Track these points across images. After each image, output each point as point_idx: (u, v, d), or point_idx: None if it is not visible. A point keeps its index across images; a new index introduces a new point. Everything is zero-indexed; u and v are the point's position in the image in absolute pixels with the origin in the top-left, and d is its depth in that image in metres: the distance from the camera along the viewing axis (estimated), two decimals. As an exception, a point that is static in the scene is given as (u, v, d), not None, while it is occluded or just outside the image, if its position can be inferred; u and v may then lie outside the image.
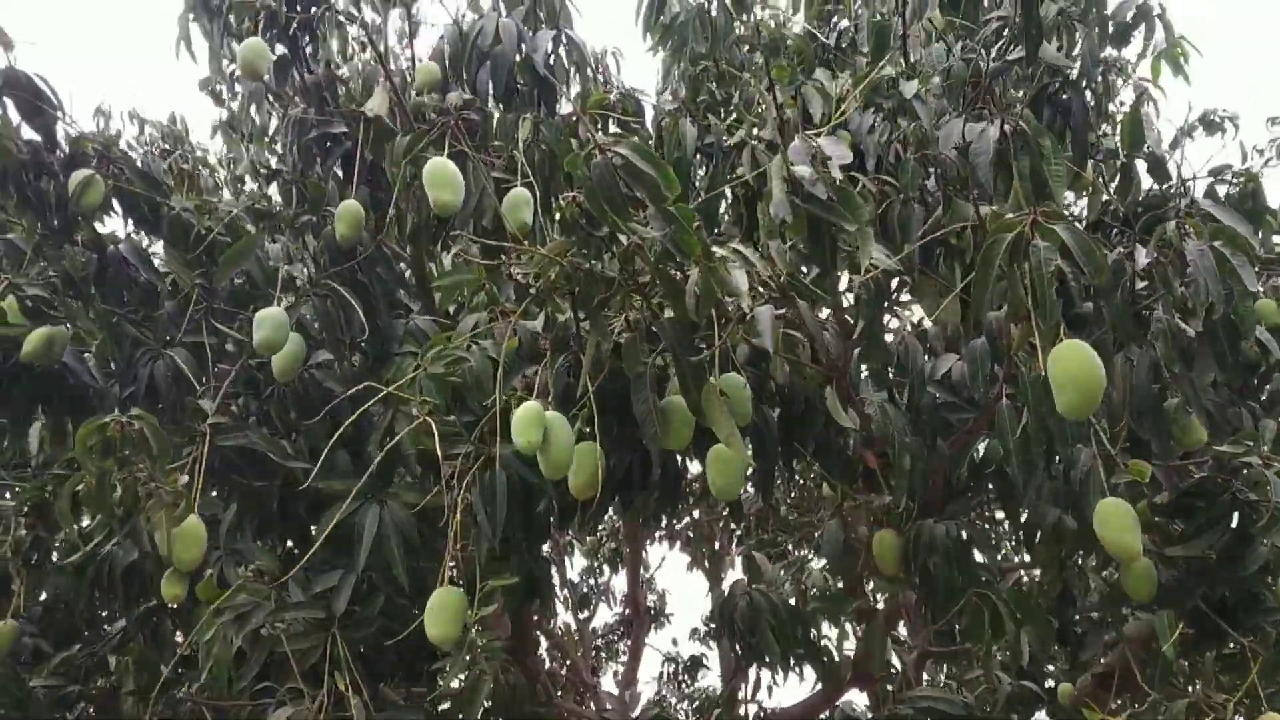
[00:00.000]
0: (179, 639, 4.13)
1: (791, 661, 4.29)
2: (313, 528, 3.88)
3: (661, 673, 10.19)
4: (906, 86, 3.13)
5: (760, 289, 2.83)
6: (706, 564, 9.02)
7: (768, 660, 3.75)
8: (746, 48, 4.94)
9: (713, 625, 9.87)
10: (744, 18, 4.93)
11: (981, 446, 3.61)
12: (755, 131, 4.22)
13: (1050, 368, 2.29)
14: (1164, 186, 4.42)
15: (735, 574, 9.71)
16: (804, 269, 2.84)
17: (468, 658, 3.42)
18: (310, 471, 3.52)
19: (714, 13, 4.57)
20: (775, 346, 2.77)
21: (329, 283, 3.46)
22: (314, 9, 4.12)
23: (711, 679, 10.04)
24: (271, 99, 4.87)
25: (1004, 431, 2.96)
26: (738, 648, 3.86)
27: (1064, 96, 3.42)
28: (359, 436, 3.58)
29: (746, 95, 4.36)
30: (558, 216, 2.73)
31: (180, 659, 4.13)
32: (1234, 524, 3.15)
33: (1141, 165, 4.29)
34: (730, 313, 2.85)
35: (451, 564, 3.07)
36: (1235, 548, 3.13)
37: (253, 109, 5.19)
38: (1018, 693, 4.20)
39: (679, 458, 3.45)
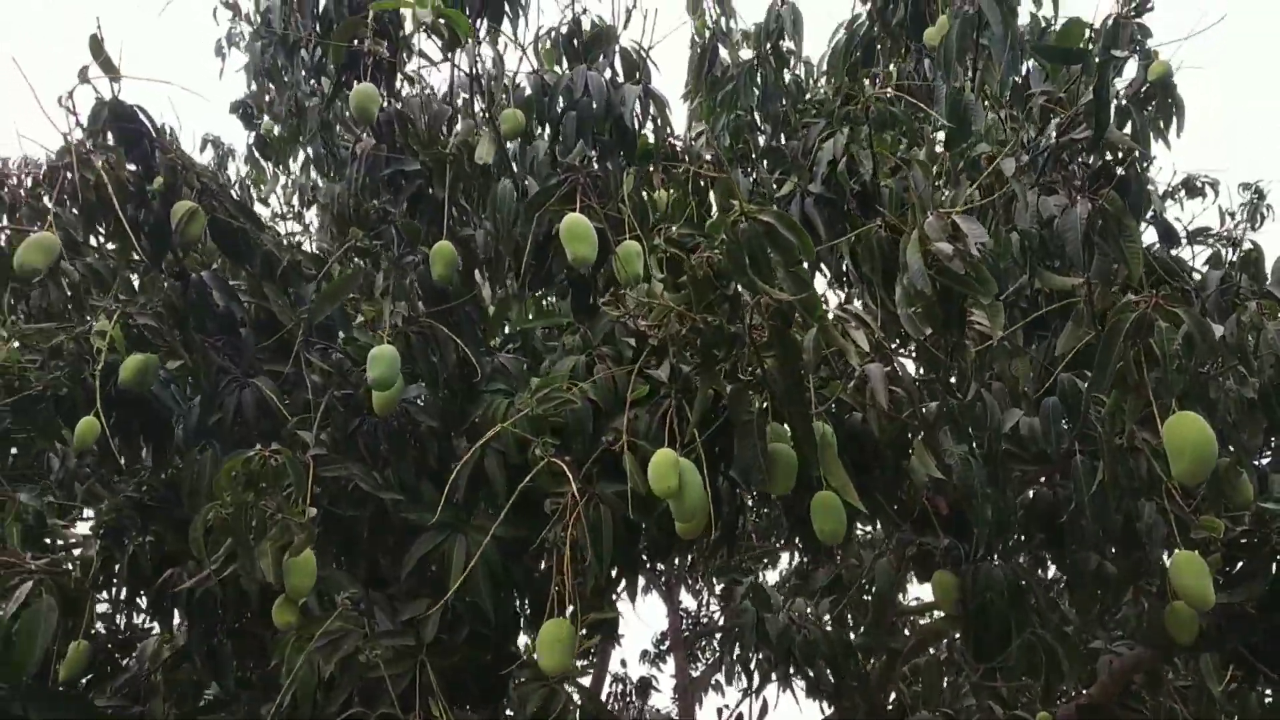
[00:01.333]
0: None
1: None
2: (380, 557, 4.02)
3: (610, 693, 10.34)
4: (1006, 164, 3.37)
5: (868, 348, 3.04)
6: (665, 587, 9.23)
7: (820, 689, 3.95)
8: (784, 102, 5.17)
9: (666, 649, 10.08)
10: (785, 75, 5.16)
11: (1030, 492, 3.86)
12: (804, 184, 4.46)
13: (1167, 436, 2.52)
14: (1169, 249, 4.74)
15: (687, 598, 9.97)
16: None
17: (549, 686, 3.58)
18: (400, 502, 3.66)
19: (762, 72, 4.80)
20: (884, 402, 2.98)
21: (428, 320, 3.58)
22: (389, 50, 4.25)
23: (660, 700, 10.27)
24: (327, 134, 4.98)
25: (1079, 486, 3.20)
26: (786, 674, 4.05)
27: (1121, 173, 3.70)
28: (445, 470, 3.71)
29: (806, 146, 4.59)
30: (691, 274, 2.91)
31: (237, 680, 4.21)
32: (1273, 573, 3.44)
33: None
34: (836, 368, 3.06)
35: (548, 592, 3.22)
36: (1275, 597, 3.42)
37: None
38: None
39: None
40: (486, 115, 4.02)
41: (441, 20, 3.70)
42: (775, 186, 4.65)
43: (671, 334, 3.03)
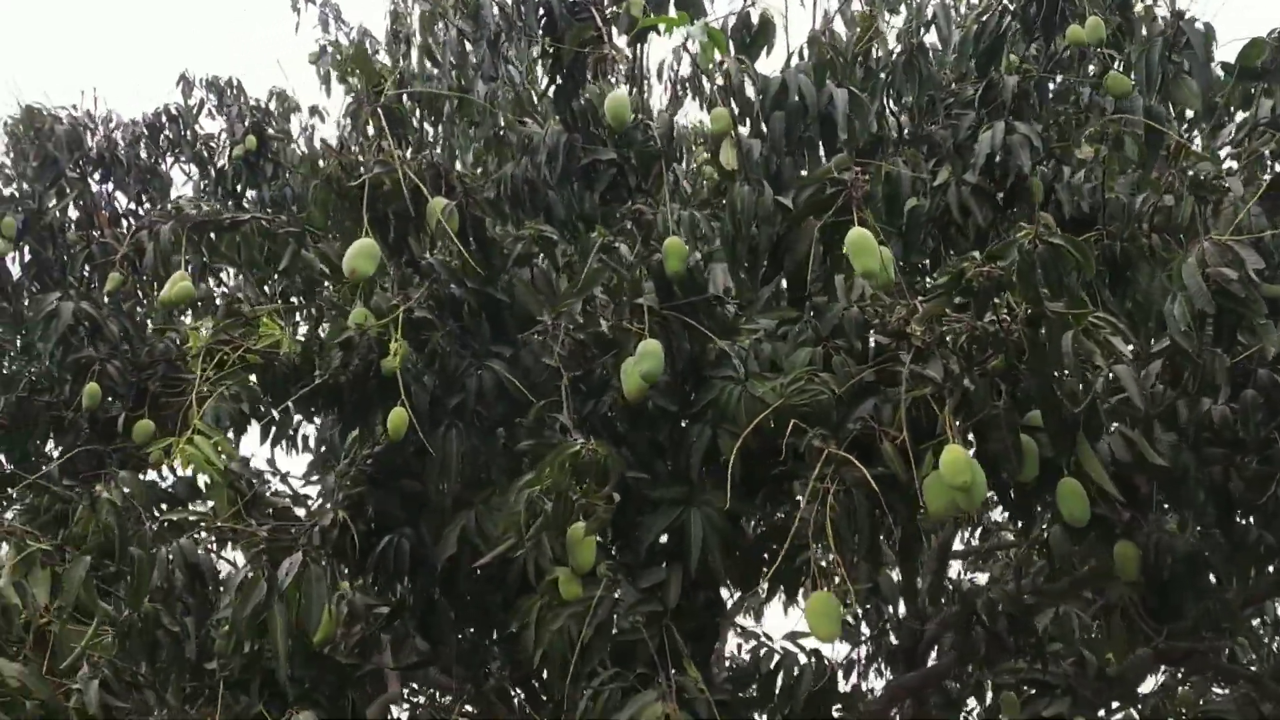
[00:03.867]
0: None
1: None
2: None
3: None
4: (1234, 184, 3.68)
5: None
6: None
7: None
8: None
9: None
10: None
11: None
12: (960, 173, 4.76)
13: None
14: None
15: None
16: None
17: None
18: (643, 480, 3.95)
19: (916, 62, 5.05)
20: (1139, 400, 3.32)
21: (668, 311, 3.85)
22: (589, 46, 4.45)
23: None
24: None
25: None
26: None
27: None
28: (676, 450, 4.01)
29: (957, 135, 4.88)
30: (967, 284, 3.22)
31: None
32: None
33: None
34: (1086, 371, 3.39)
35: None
36: None
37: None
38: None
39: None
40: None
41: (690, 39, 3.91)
42: (931, 176, 4.92)
43: (938, 336, 3.34)
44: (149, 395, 5.94)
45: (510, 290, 4.17)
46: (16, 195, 7.01)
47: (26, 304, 7.32)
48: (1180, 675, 7.20)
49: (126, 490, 3.70)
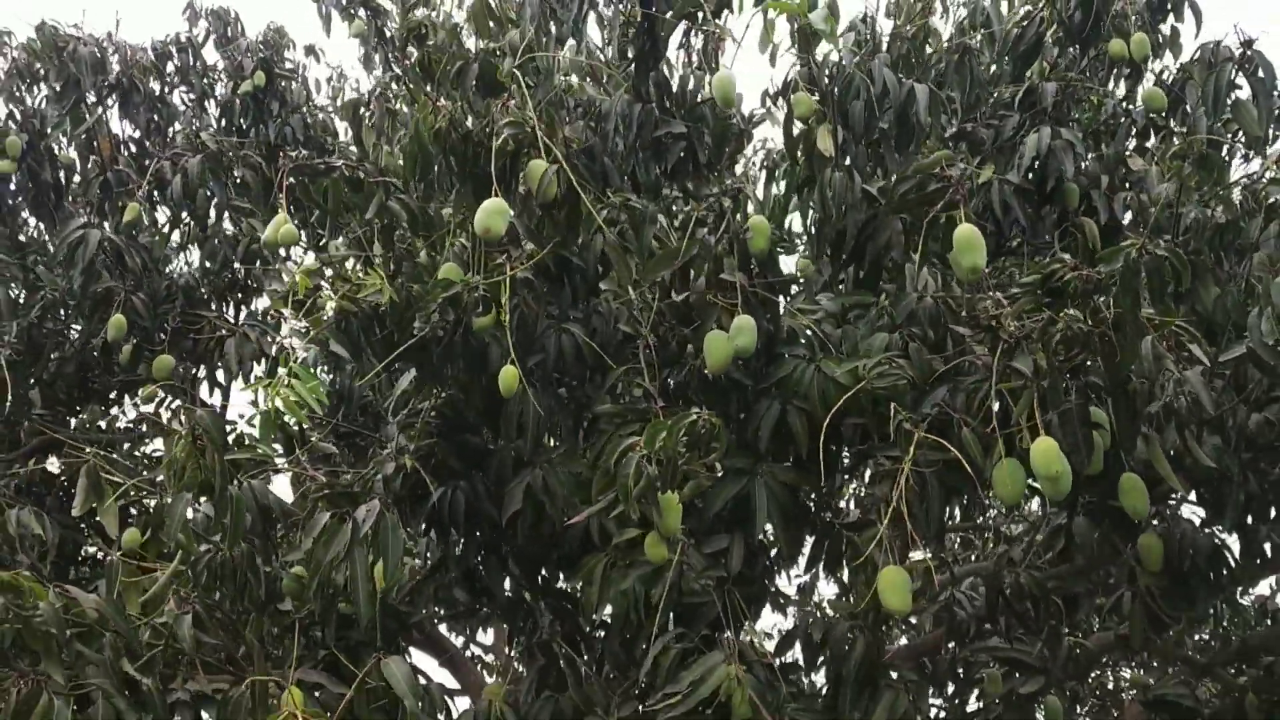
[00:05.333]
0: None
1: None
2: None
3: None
4: None
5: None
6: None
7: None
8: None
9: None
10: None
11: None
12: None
13: None
14: None
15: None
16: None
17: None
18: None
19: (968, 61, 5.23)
20: (1209, 405, 3.56)
21: (754, 287, 3.98)
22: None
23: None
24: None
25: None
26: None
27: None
28: (744, 423, 4.15)
29: (1000, 135, 5.07)
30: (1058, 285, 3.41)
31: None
32: None
33: None
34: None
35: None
36: None
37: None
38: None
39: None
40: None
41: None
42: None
43: (1028, 331, 3.53)
44: (169, 330, 5.90)
45: (584, 255, 4.24)
46: (18, 116, 6.80)
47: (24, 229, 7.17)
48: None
49: (208, 427, 3.70)
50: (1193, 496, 4.38)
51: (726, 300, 3.97)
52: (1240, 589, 4.99)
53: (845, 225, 4.03)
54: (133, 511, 5.21)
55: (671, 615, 3.97)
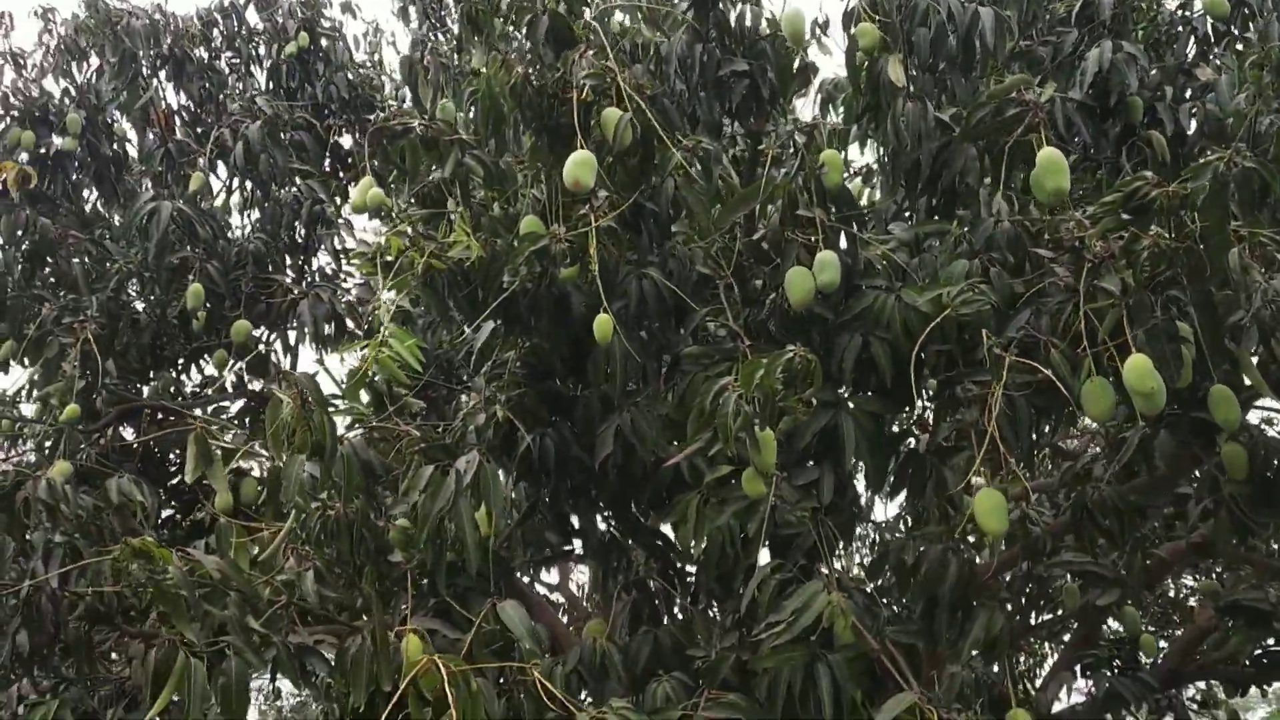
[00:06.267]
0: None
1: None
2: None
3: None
4: None
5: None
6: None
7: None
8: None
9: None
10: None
11: None
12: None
13: None
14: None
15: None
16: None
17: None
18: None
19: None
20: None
21: (831, 224, 4.01)
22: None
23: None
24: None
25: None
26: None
27: None
28: (827, 356, 4.21)
29: (1060, 51, 5.04)
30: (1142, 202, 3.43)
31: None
32: None
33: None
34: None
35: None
36: None
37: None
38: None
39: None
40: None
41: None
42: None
43: (1115, 250, 3.56)
44: (242, 295, 6.02)
45: (657, 199, 4.28)
46: (73, 93, 6.89)
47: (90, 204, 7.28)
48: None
49: (312, 390, 3.81)
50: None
51: (804, 236, 4.01)
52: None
53: (919, 155, 4.04)
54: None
55: (766, 548, 4.07)
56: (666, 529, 4.72)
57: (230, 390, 8.18)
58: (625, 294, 4.16)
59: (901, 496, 4.64)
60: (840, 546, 4.08)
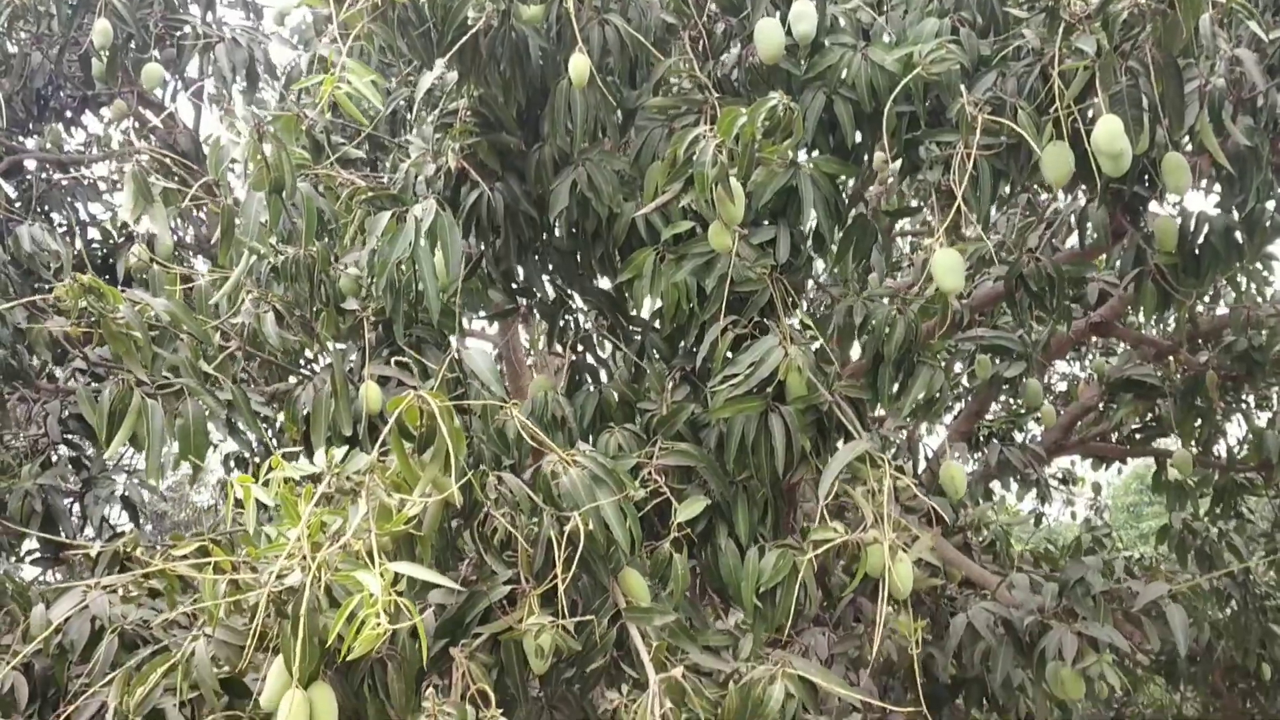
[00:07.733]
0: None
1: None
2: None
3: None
4: None
5: None
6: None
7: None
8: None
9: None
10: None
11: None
12: None
13: None
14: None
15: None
16: None
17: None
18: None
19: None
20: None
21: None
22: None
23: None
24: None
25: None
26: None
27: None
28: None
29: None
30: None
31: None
32: None
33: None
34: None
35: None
36: None
37: None
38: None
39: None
40: None
41: None
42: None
43: (1091, 11, 3.54)
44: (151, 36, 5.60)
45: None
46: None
47: None
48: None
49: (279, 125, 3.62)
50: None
51: (775, -14, 3.88)
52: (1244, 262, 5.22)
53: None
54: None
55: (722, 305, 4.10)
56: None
57: (118, 149, 7.77)
58: (586, 41, 3.99)
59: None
60: (795, 304, 4.13)
